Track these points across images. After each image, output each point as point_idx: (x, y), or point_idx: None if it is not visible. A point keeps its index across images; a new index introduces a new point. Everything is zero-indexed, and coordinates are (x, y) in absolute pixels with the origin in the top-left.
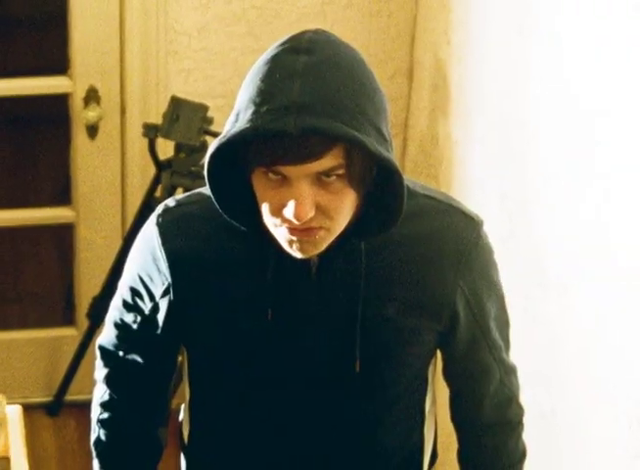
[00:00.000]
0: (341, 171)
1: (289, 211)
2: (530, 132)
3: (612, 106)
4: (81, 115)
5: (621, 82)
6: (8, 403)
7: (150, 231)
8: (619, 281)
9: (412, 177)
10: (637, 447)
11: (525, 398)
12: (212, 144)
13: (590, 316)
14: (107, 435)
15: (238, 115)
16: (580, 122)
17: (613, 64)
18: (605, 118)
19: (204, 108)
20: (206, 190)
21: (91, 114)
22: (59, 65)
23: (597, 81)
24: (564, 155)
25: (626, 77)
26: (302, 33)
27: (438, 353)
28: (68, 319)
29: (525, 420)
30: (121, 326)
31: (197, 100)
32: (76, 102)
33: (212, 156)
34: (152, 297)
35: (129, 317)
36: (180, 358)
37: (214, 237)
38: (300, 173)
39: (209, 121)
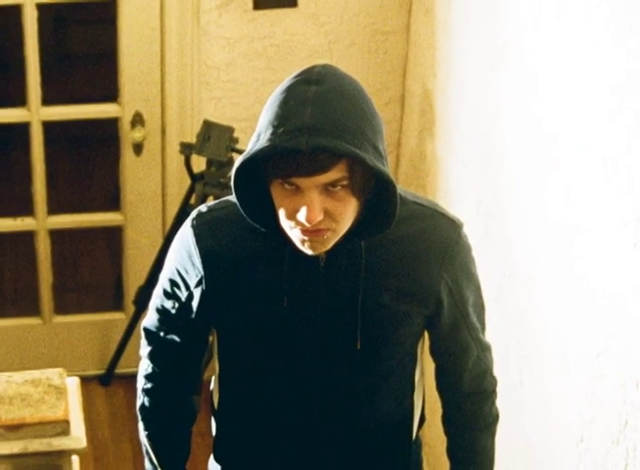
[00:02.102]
0: (344, 182)
1: (301, 216)
2: (502, 150)
3: (570, 128)
4: (128, 135)
5: (577, 109)
6: (67, 376)
7: (186, 232)
8: (575, 274)
9: (404, 187)
10: (591, 414)
11: (497, 371)
12: (238, 160)
13: (551, 302)
14: (150, 402)
15: (259, 135)
16: (543, 142)
17: (571, 93)
18: (564, 139)
19: (230, 129)
20: (233, 198)
21: (137, 134)
22: (110, 93)
23: (557, 108)
24: (530, 169)
25: (581, 105)
26: (313, 67)
27: (426, 334)
28: (118, 305)
29: (498, 389)
30: (162, 311)
31: (225, 123)
32: (124, 125)
33: (238, 169)
34: (187, 287)
35: (169, 304)
36: (211, 338)
37: (239, 237)
38: (311, 184)
39: (235, 141)
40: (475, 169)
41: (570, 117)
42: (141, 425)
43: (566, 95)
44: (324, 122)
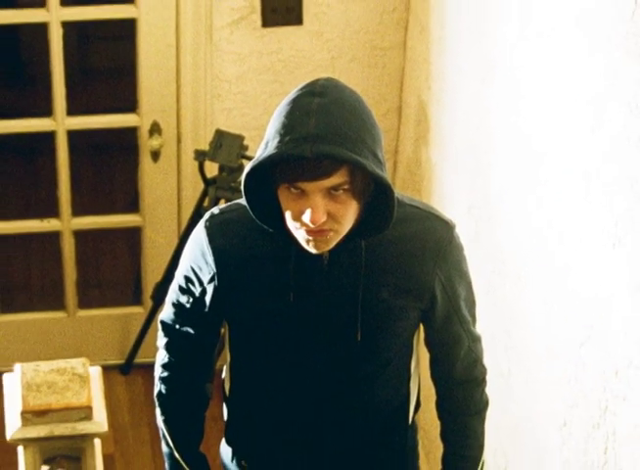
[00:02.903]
0: (346, 186)
1: (306, 217)
2: (491, 157)
3: (553, 138)
4: (147, 143)
5: (560, 120)
6: (90, 365)
7: (199, 233)
8: (559, 271)
9: (401, 191)
10: (573, 400)
11: (487, 360)
12: (247, 166)
13: (537, 297)
14: (166, 389)
15: (267, 143)
16: (529, 150)
17: (553, 105)
18: (548, 148)
19: (240, 138)
20: (243, 201)
21: (154, 142)
22: (129, 105)
23: (542, 119)
24: (517, 174)
25: (564, 117)
26: (316, 80)
27: (421, 326)
28: (137, 300)
29: (488, 378)
30: (178, 305)
31: (235, 132)
32: (143, 133)
33: (247, 174)
34: (201, 283)
35: (184, 299)
36: (222, 330)
37: (249, 237)
38: (315, 188)
39: (245, 148)
40: (466, 175)
41: (553, 128)
42: (158, 411)
43: (549, 107)
44: (327, 131)
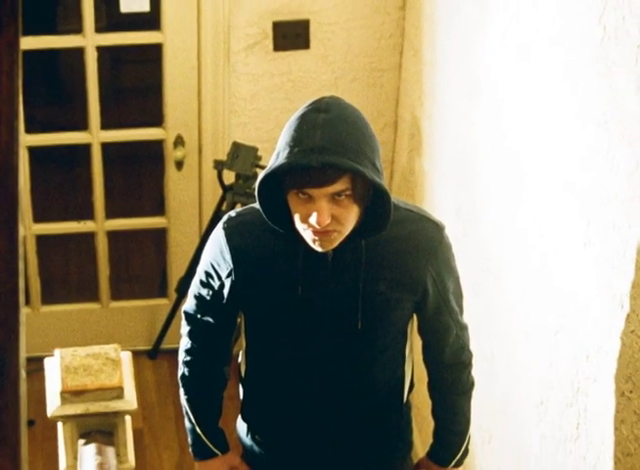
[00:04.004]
0: (348, 192)
1: (313, 220)
2: (477, 166)
3: (532, 149)
4: (171, 154)
5: (538, 132)
6: (121, 350)
7: (218, 233)
8: (537, 267)
9: (396, 196)
10: (549, 381)
11: (473, 346)
12: (261, 174)
13: (517, 290)
14: (189, 371)
15: (278, 154)
16: (510, 160)
17: (533, 119)
18: (527, 157)
19: (255, 149)
20: (257, 205)
21: (178, 153)
22: (156, 119)
23: (521, 131)
24: (499, 181)
25: (541, 129)
26: (322, 98)
27: (414, 316)
28: (163, 293)
29: (473, 362)
30: (199, 298)
31: (250, 144)
32: (168, 145)
33: (261, 182)
34: (219, 277)
35: (204, 291)
36: (239, 320)
37: (262, 237)
38: (320, 194)
39: (259, 158)
40: (454, 182)
41: (532, 141)
42: (181, 391)
43: (528, 122)
44: (331, 144)
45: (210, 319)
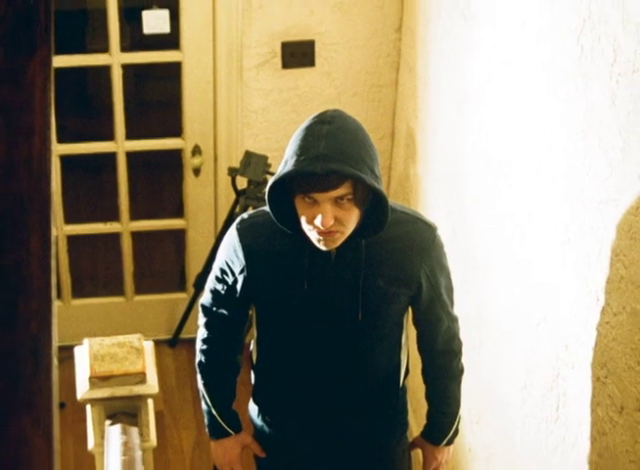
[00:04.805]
0: (349, 196)
1: (318, 221)
2: (466, 173)
3: (516, 158)
4: (189, 162)
5: (521, 143)
6: (144, 340)
7: (232, 233)
8: (520, 265)
9: (393, 200)
10: (531, 367)
11: (463, 335)
12: (270, 180)
13: (502, 285)
14: (205, 359)
15: (286, 162)
16: (496, 167)
17: (516, 131)
18: (512, 165)
19: (265, 157)
20: (267, 208)
21: (196, 161)
22: (175, 130)
23: (506, 142)
24: (486, 187)
25: (524, 140)
26: (326, 111)
27: (409, 308)
28: (182, 288)
29: (463, 350)
30: (214, 292)
31: (261, 152)
32: (187, 154)
33: (270, 187)
34: (233, 274)
35: (219, 286)
36: (250, 312)
37: (272, 237)
38: (324, 198)
39: (269, 166)
40: (446, 187)
41: (515, 149)
42: (198, 376)
43: (512, 132)
44: (334, 152)
45: (225, 311)
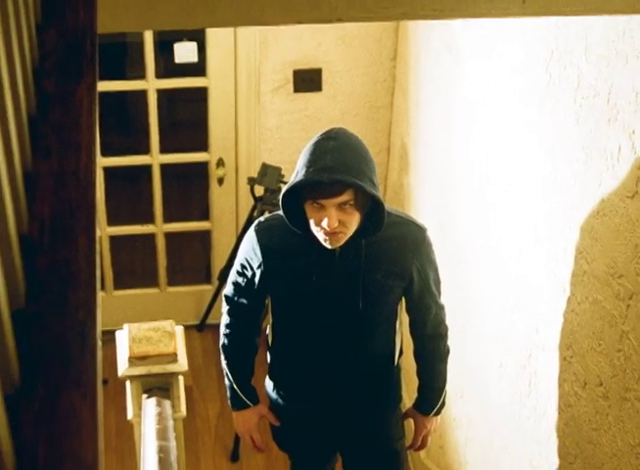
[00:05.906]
0: (351, 202)
1: (324, 223)
2: (453, 183)
3: (498, 173)
4: (214, 172)
5: (504, 159)
6: (176, 325)
7: (251, 234)
8: (499, 261)
9: (389, 205)
10: (507, 348)
11: (449, 321)
12: (284, 188)
13: (483, 278)
14: (228, 341)
15: (297, 172)
16: (480, 180)
17: (501, 149)
18: (494, 179)
19: (279, 169)
20: (281, 212)
21: (220, 172)
22: (202, 145)
23: (489, 157)
24: (470, 195)
25: (507, 157)
26: (331, 129)
27: (403, 298)
28: (208, 280)
29: (449, 334)
30: (236, 284)
31: (276, 164)
32: (212, 166)
33: (284, 194)
34: (252, 268)
35: (240, 279)
36: (267, 301)
37: (285, 237)
38: (330, 203)
39: (282, 176)
40: (435, 194)
41: (497, 163)
42: (222, 356)
43: (494, 149)
44: (338, 164)
45: (245, 301)
